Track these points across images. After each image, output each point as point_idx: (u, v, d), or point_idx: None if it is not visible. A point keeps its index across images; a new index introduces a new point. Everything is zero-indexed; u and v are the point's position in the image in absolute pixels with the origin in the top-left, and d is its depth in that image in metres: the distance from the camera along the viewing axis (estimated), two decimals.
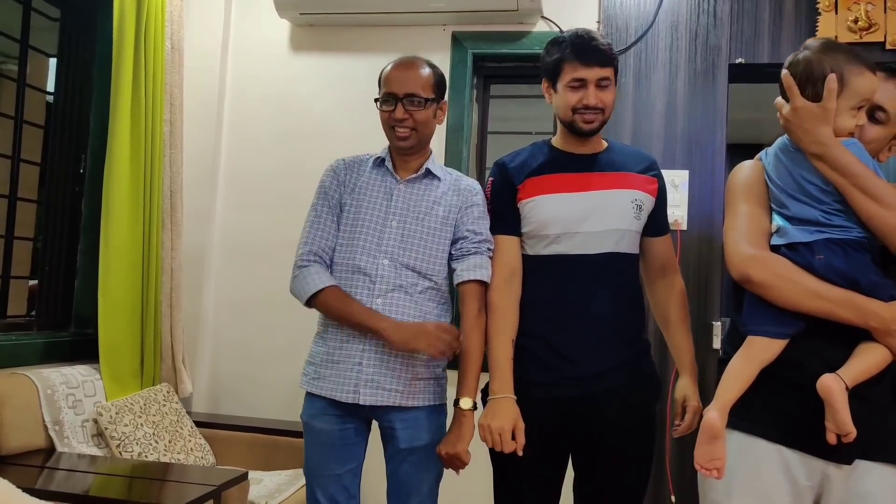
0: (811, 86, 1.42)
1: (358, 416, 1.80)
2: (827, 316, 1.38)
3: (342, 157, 1.94)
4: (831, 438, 1.33)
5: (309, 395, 1.84)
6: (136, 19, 2.52)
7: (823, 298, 1.38)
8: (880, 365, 1.37)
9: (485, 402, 1.73)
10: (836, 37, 2.53)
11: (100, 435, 2.34)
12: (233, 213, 3.09)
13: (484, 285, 1.78)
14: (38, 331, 2.61)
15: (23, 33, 2.59)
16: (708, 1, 2.70)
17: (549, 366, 1.71)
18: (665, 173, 1.90)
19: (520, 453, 1.64)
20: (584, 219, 1.73)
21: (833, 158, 1.40)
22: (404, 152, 1.86)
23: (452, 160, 2.87)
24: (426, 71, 1.84)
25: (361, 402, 1.74)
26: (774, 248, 1.46)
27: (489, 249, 1.81)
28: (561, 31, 2.67)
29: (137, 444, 2.32)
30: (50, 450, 2.18)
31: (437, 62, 1.92)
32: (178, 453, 2.44)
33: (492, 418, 1.65)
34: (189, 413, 2.71)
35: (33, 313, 2.72)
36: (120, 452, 2.28)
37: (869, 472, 1.39)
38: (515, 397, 1.68)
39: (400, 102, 1.79)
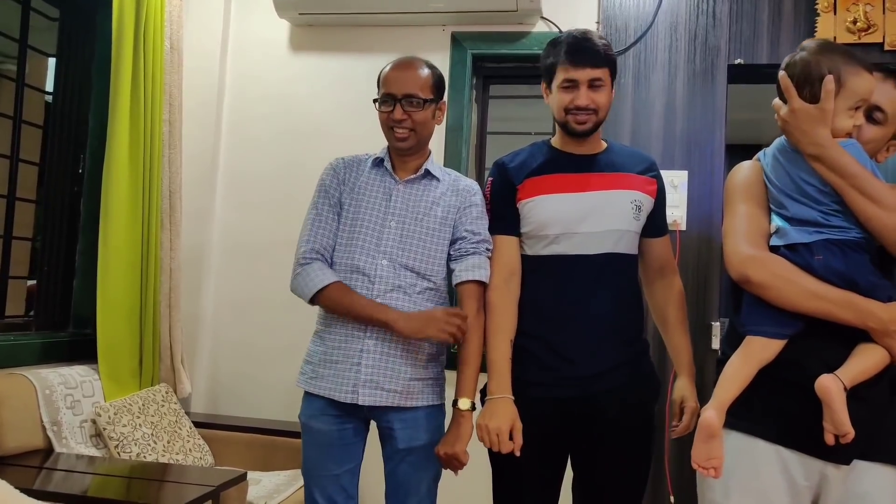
0: (808, 87, 1.42)
1: (356, 416, 1.80)
2: (825, 316, 1.38)
3: (341, 156, 1.94)
4: (829, 439, 1.34)
5: (307, 395, 1.84)
6: (136, 19, 2.52)
7: (822, 299, 1.38)
8: (879, 366, 1.37)
9: (483, 402, 1.73)
10: (834, 38, 2.54)
11: (98, 435, 2.33)
12: (232, 213, 3.09)
13: (482, 285, 1.78)
14: (37, 331, 2.61)
15: (22, 33, 2.59)
16: (707, 2, 2.70)
17: (549, 366, 1.71)
18: (664, 174, 1.90)
19: (517, 454, 1.64)
20: (584, 219, 1.73)
21: (831, 159, 1.40)
22: (403, 153, 1.86)
23: (452, 160, 2.87)
24: (425, 71, 1.84)
25: (360, 403, 1.74)
26: (773, 249, 1.46)
27: (488, 250, 1.81)
28: (560, 31, 2.67)
29: (136, 444, 2.31)
30: (48, 450, 2.18)
31: (437, 62, 1.93)
32: (177, 454, 2.44)
33: (489, 419, 1.65)
34: (188, 413, 2.71)
35: (32, 313, 2.71)
36: (118, 453, 2.28)
37: (867, 473, 1.39)
38: (513, 398, 1.67)
39: (398, 103, 1.79)
